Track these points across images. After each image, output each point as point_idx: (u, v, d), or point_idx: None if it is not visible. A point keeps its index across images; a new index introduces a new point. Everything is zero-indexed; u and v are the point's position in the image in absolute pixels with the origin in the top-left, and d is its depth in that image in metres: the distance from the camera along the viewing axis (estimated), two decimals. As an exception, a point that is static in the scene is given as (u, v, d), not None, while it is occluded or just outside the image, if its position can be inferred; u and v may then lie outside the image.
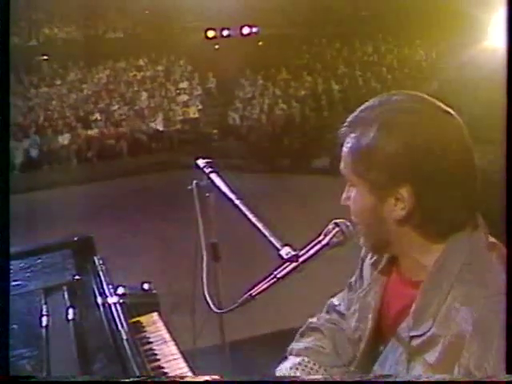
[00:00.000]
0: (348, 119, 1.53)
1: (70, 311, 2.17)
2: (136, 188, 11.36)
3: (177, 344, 2.47)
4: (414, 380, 1.39)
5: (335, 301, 1.91)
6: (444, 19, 12.77)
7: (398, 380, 1.42)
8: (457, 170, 1.44)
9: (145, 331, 2.59)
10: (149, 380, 1.97)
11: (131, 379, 1.78)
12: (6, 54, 1.66)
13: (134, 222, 8.70)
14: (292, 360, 1.78)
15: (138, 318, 2.66)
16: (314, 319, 1.89)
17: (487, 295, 1.38)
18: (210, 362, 2.31)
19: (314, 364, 1.76)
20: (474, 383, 1.31)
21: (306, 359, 1.77)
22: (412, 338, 1.46)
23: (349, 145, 1.51)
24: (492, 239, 1.50)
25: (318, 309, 1.94)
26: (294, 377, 1.73)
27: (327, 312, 1.91)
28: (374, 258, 1.70)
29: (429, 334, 1.42)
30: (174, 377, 2.24)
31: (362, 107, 1.53)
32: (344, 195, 1.58)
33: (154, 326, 2.64)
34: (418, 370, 1.43)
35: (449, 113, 1.48)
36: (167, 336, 2.54)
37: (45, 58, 17.76)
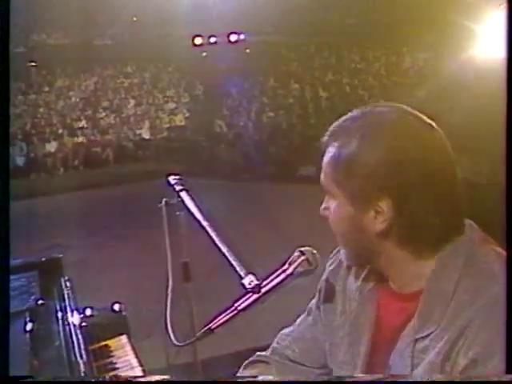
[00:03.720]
0: (330, 129, 1.51)
1: (29, 339, 2.09)
2: (120, 197, 11.28)
3: (144, 370, 2.39)
4: (414, 380, 1.37)
5: (287, 330, 1.80)
6: (431, 27, 12.79)
7: (398, 380, 1.40)
8: (439, 182, 1.42)
9: (112, 356, 2.51)
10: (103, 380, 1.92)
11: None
12: (5, 59, 1.60)
13: (113, 235, 8.61)
14: None
15: (105, 342, 2.59)
16: (263, 352, 1.79)
17: (499, 282, 1.37)
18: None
19: None
20: (474, 383, 1.29)
21: None
22: (417, 340, 1.42)
23: (330, 154, 1.48)
24: (483, 233, 1.50)
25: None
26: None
27: (277, 342, 1.79)
28: (361, 277, 1.61)
29: (435, 332, 1.39)
30: (125, 377, 2.23)
31: (345, 117, 1.51)
32: (323, 205, 1.54)
33: (122, 350, 2.56)
34: (420, 371, 1.39)
35: (431, 125, 1.47)
36: (134, 361, 2.46)
37: (33, 64, 17.68)
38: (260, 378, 1.70)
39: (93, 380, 1.92)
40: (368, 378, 1.49)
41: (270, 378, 1.70)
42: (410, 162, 1.39)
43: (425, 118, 1.48)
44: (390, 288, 1.53)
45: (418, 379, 1.38)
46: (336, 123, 1.51)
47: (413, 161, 1.40)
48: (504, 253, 1.45)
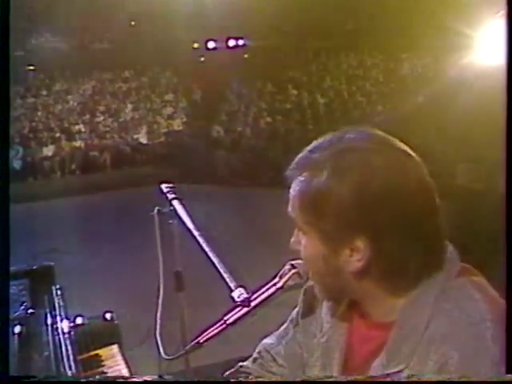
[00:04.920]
0: (295, 160, 1.39)
1: (17, 349, 2.06)
2: (116, 202, 11.25)
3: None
4: (413, 380, 1.30)
5: (269, 340, 1.69)
6: (429, 34, 12.80)
7: (395, 380, 1.32)
8: (418, 216, 1.30)
9: (102, 365, 2.48)
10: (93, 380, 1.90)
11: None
12: (5, 62, 1.58)
13: (108, 241, 8.57)
14: None
15: (96, 352, 2.55)
16: (245, 363, 1.68)
17: (472, 322, 1.26)
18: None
19: None
20: (474, 383, 1.24)
21: None
22: (387, 375, 1.34)
23: (297, 188, 1.36)
24: (462, 264, 1.38)
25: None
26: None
27: (259, 353, 1.69)
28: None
29: (406, 370, 1.30)
30: (114, 377, 2.23)
31: (311, 147, 1.37)
32: (293, 239, 1.43)
33: (113, 359, 2.53)
34: None
35: (405, 152, 1.34)
36: (125, 371, 2.43)
37: (31, 68, 17.69)
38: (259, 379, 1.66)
39: (90, 380, 1.90)
40: (362, 378, 1.41)
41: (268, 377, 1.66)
42: (385, 195, 1.28)
43: (399, 143, 1.35)
44: (364, 315, 1.44)
45: None
46: (302, 154, 1.38)
47: (387, 194, 1.28)
48: (485, 281, 1.37)
